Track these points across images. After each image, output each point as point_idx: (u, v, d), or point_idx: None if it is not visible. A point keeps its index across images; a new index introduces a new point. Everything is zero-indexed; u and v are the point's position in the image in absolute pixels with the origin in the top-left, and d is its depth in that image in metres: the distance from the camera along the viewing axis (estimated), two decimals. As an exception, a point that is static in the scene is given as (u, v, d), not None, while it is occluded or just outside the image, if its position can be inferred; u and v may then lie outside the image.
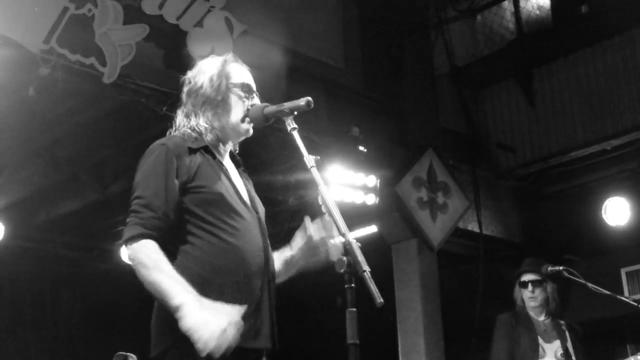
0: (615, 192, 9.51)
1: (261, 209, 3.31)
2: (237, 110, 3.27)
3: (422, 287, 8.81)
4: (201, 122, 3.23)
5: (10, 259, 10.85)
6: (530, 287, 6.13)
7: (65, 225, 10.97)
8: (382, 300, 2.60)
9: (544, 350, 6.02)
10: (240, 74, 3.35)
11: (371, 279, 2.62)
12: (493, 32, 10.52)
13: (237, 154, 3.44)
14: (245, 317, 2.89)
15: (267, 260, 3.13)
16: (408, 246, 9.02)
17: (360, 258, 2.69)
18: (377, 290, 2.60)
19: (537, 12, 10.40)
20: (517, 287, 6.27)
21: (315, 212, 3.59)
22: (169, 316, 2.84)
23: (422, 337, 8.65)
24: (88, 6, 6.38)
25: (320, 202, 3.04)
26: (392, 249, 9.19)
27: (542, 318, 6.17)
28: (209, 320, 2.73)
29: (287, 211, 9.04)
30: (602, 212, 9.49)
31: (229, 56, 3.42)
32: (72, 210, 10.38)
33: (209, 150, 3.21)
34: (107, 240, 11.58)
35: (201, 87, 3.28)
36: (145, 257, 2.88)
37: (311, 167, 2.98)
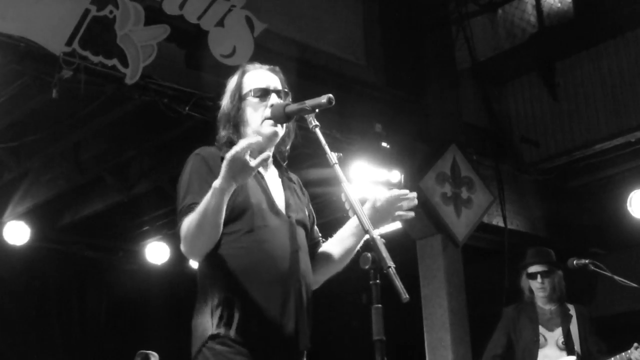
0: (641, 184, 9.44)
1: (297, 213, 3.30)
2: (255, 116, 3.28)
3: (448, 282, 8.79)
4: (233, 139, 3.27)
5: (36, 261, 10.93)
6: (539, 278, 6.26)
7: (90, 226, 11.04)
8: (407, 296, 2.59)
9: (545, 339, 6.16)
10: (254, 79, 3.36)
11: (396, 275, 2.61)
12: (514, 26, 10.48)
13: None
14: (270, 318, 2.98)
15: (296, 263, 3.13)
16: (433, 242, 8.99)
17: (385, 254, 2.67)
18: (402, 286, 2.59)
19: (559, 4, 10.35)
20: (524, 278, 6.40)
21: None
22: (203, 319, 3.02)
23: (448, 333, 8.63)
24: (109, 8, 6.40)
25: (344, 199, 3.05)
26: (417, 245, 9.16)
27: (548, 306, 6.29)
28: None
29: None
30: (628, 204, 9.40)
31: (247, 65, 3.45)
32: (96, 211, 10.43)
33: None
34: (132, 241, 11.64)
35: (223, 108, 3.37)
36: (186, 222, 2.98)
37: (334, 164, 2.97)
